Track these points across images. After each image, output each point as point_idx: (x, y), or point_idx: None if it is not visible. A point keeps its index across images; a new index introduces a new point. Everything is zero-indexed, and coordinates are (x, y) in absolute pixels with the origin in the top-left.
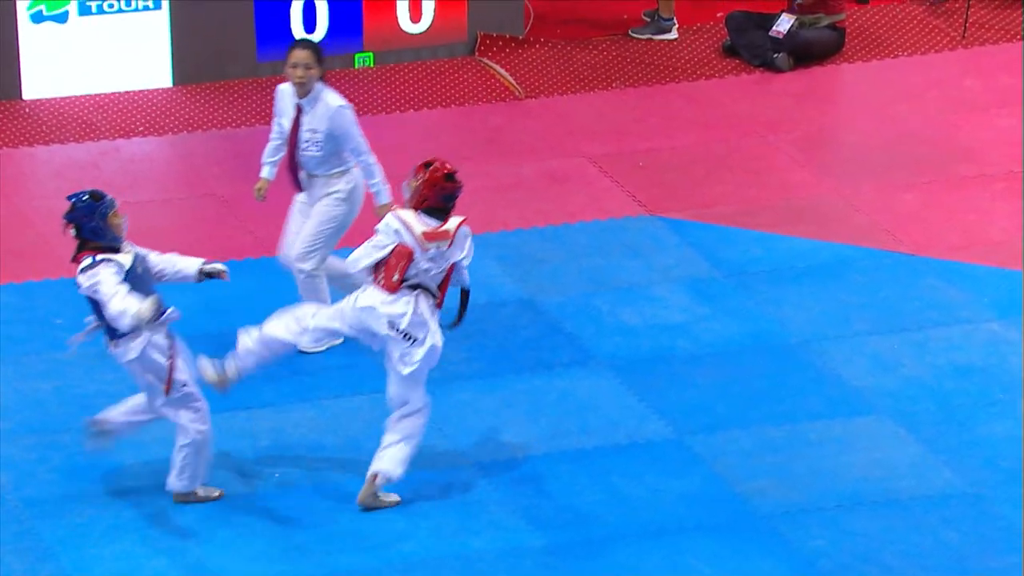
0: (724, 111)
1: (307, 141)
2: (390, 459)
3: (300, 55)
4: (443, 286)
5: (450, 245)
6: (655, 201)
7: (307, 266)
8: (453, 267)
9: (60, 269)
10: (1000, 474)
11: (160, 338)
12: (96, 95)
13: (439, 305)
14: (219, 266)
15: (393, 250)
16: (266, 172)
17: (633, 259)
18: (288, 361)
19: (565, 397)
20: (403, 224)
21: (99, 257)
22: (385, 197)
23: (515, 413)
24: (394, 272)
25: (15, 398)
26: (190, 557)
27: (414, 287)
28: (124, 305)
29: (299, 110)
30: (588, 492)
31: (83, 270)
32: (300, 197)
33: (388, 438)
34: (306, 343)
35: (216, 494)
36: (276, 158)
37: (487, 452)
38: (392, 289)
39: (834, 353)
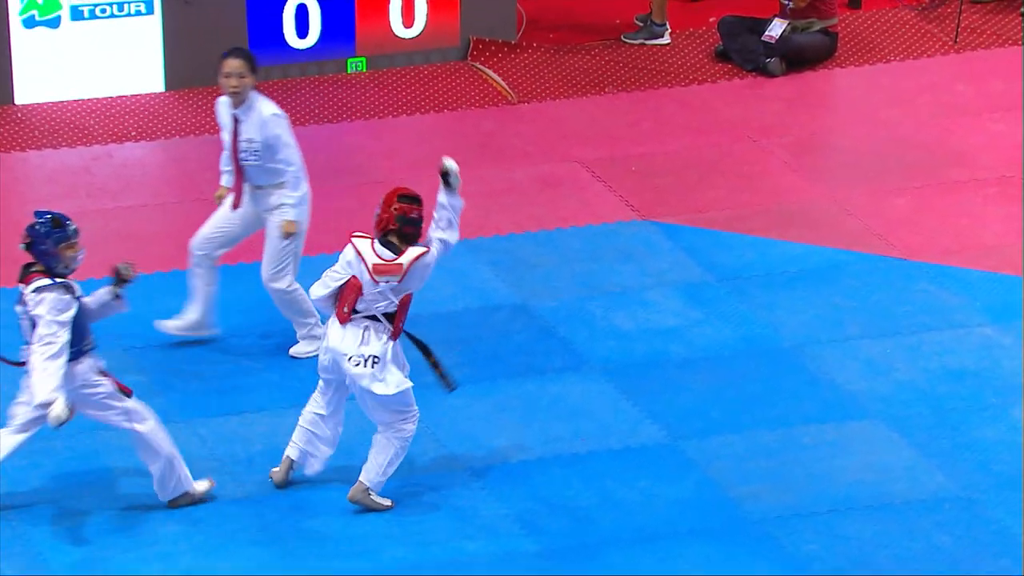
0: (716, 116)
1: (245, 151)
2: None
3: (233, 64)
4: (397, 317)
5: (401, 280)
6: (648, 206)
7: (281, 285)
8: (409, 297)
9: None
10: (992, 478)
11: (94, 362)
12: (88, 100)
13: (395, 336)
14: (121, 265)
15: (347, 281)
16: (225, 180)
17: (626, 264)
18: (281, 367)
19: (558, 402)
20: (357, 255)
21: (58, 281)
22: (292, 214)
23: (508, 418)
24: (344, 304)
25: (5, 404)
26: (181, 562)
27: (368, 317)
28: (48, 374)
29: (236, 120)
30: (581, 497)
31: (37, 290)
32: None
33: (375, 443)
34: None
35: (207, 486)
36: (233, 165)
37: (480, 457)
38: (343, 320)
39: (827, 357)
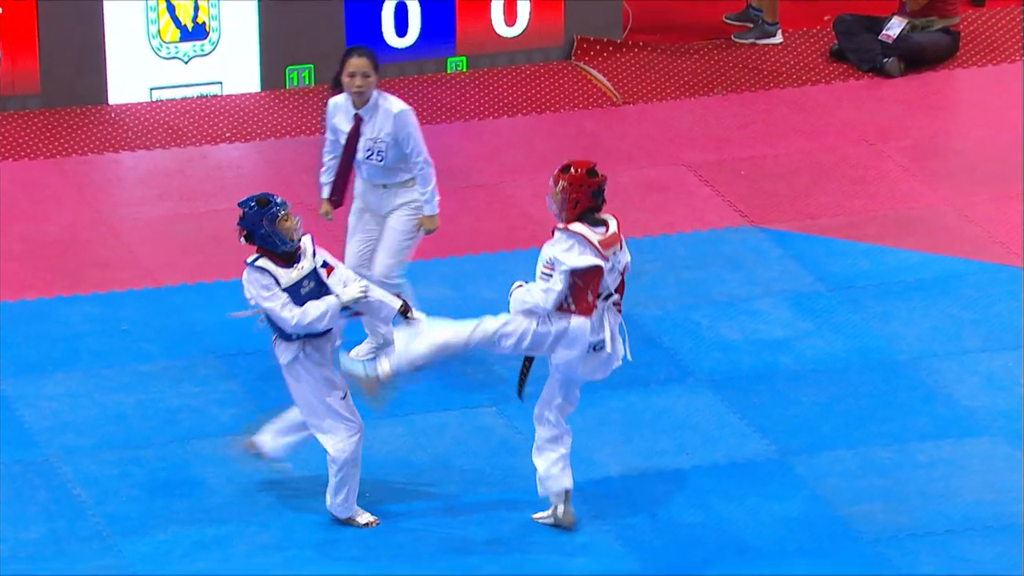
0: (831, 118)
1: (370, 150)
2: None
3: (359, 63)
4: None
5: (620, 248)
6: (757, 211)
7: (398, 280)
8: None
9: (144, 279)
10: None
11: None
12: (183, 100)
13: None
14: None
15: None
16: (327, 192)
17: (734, 272)
18: None
19: (662, 415)
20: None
21: (257, 264)
22: (428, 209)
23: (610, 431)
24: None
25: (96, 412)
26: None
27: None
28: (311, 315)
29: (359, 120)
30: (685, 514)
31: (249, 267)
32: (358, 206)
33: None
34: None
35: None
36: (334, 177)
37: (581, 471)
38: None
39: (945, 371)
